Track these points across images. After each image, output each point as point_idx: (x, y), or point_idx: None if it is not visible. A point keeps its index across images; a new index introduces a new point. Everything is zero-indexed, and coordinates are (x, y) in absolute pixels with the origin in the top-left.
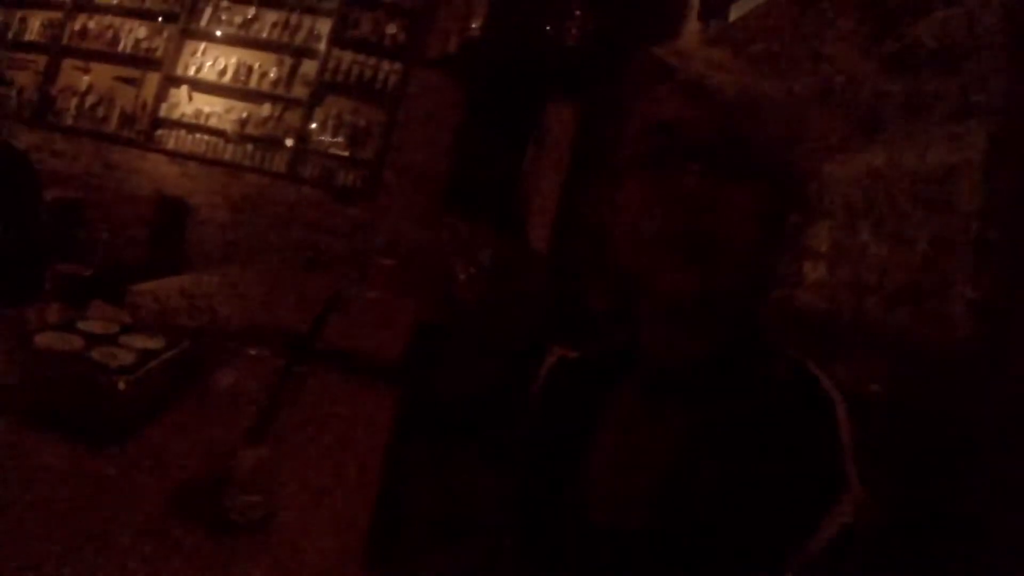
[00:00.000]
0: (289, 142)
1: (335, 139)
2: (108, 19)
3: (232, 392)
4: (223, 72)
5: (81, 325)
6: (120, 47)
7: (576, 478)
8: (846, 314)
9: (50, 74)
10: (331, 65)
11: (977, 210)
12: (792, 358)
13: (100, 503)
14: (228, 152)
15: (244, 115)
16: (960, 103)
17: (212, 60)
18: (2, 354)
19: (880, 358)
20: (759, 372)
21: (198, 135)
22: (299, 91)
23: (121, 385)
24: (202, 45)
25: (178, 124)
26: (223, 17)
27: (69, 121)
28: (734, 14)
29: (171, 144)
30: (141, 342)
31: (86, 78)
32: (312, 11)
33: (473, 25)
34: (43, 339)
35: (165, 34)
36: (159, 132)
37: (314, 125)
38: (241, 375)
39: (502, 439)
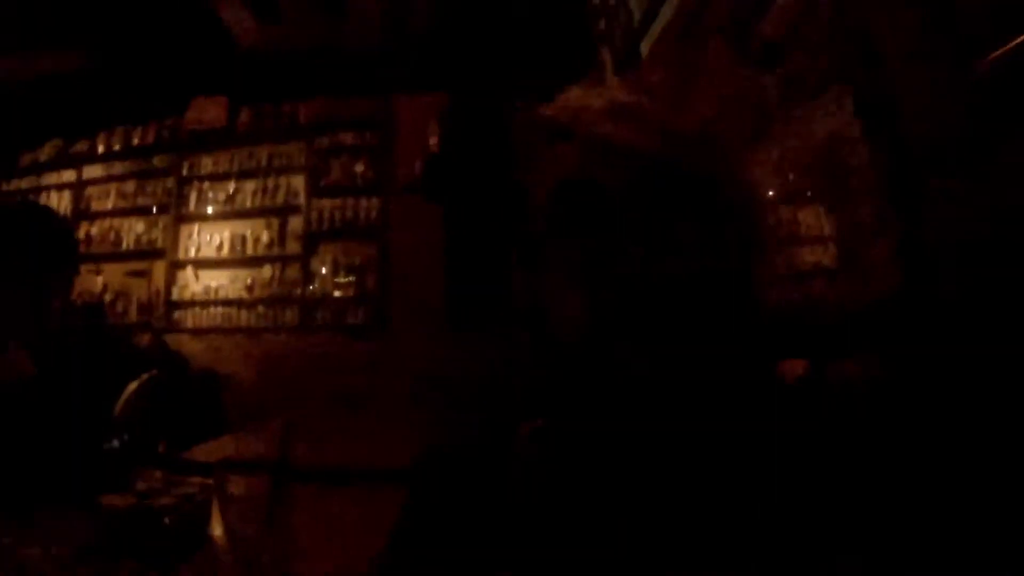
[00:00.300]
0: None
1: (336, 282)
2: (108, 222)
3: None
4: (220, 246)
5: (135, 487)
6: (124, 245)
7: None
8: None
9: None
10: (315, 216)
11: (867, 163)
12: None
13: None
14: (243, 318)
15: (249, 281)
16: (820, 74)
17: (208, 237)
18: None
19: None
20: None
21: (212, 309)
22: (292, 247)
23: (167, 521)
24: (196, 226)
25: (192, 303)
26: (208, 196)
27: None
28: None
29: (190, 323)
30: (181, 490)
31: (99, 279)
32: (285, 171)
33: (431, 142)
34: (108, 499)
35: (161, 224)
36: (176, 314)
37: (313, 275)
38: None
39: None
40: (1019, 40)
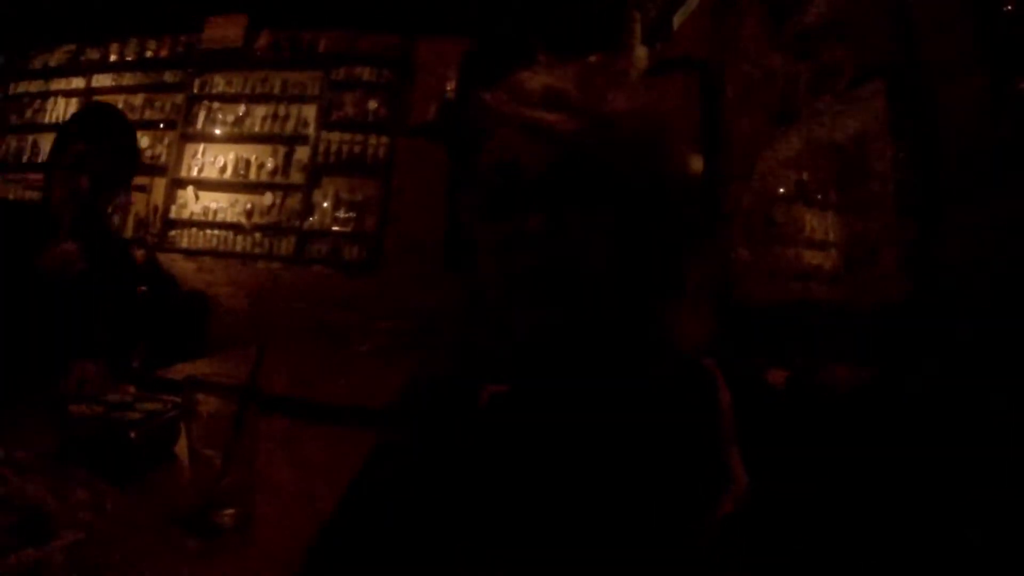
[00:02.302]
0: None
1: (336, 217)
2: None
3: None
4: (223, 169)
5: (105, 398)
6: None
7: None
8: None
9: None
10: (322, 148)
11: (890, 169)
12: (688, 356)
13: (120, 522)
14: (238, 243)
15: (248, 206)
16: (857, 69)
17: (212, 159)
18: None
19: (830, 337)
20: (654, 370)
21: (208, 231)
22: (296, 177)
23: (132, 435)
24: (201, 146)
25: (189, 223)
26: (217, 117)
27: None
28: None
29: (185, 243)
30: (150, 406)
31: None
32: (298, 100)
33: (448, 88)
34: (75, 408)
35: (166, 141)
36: (172, 232)
37: (314, 207)
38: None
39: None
40: None
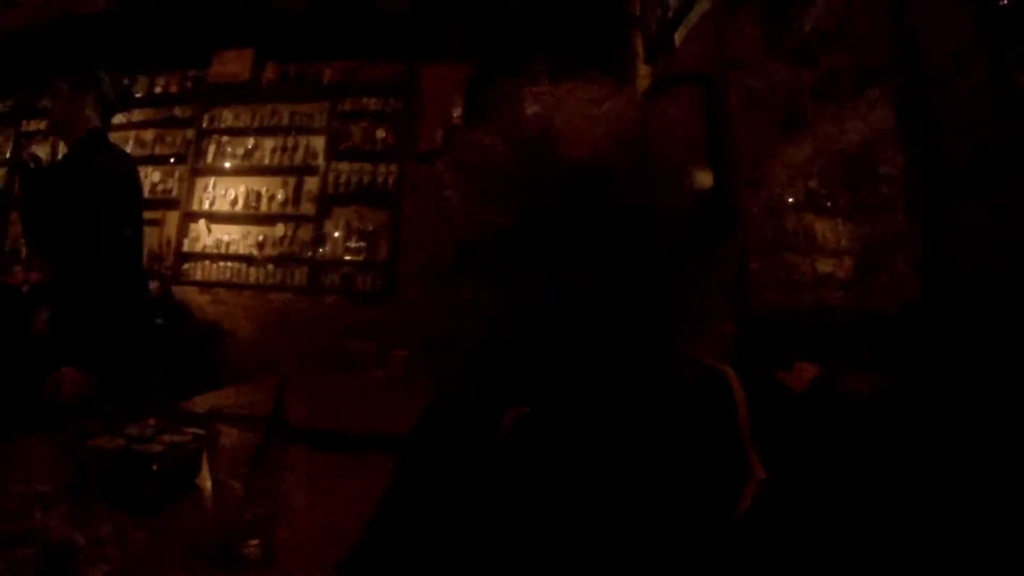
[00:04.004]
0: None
1: (347, 246)
2: None
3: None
4: (234, 201)
5: (126, 430)
6: None
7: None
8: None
9: None
10: (331, 178)
11: (898, 173)
12: (703, 362)
13: (144, 556)
14: (251, 275)
15: (260, 238)
16: (860, 74)
17: (223, 191)
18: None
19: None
20: (670, 377)
21: (221, 263)
22: (307, 207)
23: (154, 467)
24: (212, 179)
25: (202, 256)
26: (227, 151)
27: None
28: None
29: (198, 275)
30: (172, 438)
31: None
32: (306, 131)
33: (454, 114)
34: (96, 440)
35: (177, 175)
36: (185, 266)
37: (326, 237)
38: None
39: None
40: None
